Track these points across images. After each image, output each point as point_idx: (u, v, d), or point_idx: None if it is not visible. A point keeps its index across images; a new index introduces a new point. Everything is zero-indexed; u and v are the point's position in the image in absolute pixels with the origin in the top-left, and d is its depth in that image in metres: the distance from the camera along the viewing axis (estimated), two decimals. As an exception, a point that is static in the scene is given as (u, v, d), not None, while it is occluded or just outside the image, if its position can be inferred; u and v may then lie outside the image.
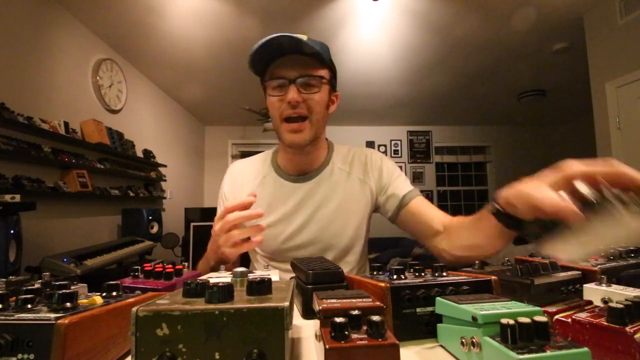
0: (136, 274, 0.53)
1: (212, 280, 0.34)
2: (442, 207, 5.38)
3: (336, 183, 0.95)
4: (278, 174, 0.96)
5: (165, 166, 3.92)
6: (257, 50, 0.80)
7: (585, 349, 0.26)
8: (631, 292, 0.39)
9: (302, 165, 0.95)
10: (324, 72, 0.86)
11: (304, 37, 0.81)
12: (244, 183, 0.98)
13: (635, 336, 0.28)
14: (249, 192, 0.92)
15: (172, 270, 0.53)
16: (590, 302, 0.39)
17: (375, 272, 0.52)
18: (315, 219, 0.92)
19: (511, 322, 0.28)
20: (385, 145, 6.03)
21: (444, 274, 0.48)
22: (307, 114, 0.84)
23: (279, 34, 0.78)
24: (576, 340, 0.29)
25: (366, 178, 0.97)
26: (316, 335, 0.33)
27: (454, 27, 2.97)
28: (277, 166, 0.98)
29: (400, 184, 0.96)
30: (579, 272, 0.51)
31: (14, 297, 0.35)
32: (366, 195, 0.96)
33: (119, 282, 0.43)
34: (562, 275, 0.49)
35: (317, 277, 0.51)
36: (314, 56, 0.84)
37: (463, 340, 0.33)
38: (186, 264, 0.62)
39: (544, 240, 0.39)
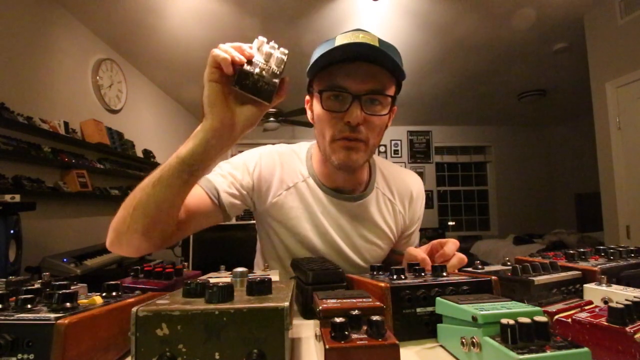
0: (136, 274, 0.53)
1: (212, 280, 0.34)
2: (442, 207, 5.36)
3: (380, 211, 0.87)
4: (317, 185, 0.84)
5: (165, 166, 3.92)
6: (321, 57, 0.67)
7: (585, 349, 0.26)
8: (631, 292, 0.39)
9: (340, 183, 0.84)
10: (393, 89, 0.72)
11: (375, 41, 0.67)
12: (280, 176, 0.84)
13: (635, 336, 0.28)
14: (284, 189, 0.83)
15: (172, 270, 0.53)
16: (590, 302, 0.39)
17: (375, 272, 0.52)
18: (351, 243, 0.86)
19: (511, 322, 0.28)
20: (385, 145, 6.02)
21: (444, 274, 0.48)
22: (367, 137, 0.71)
23: (355, 41, 0.65)
24: (576, 340, 0.29)
25: (404, 213, 0.91)
26: (316, 335, 0.33)
27: (454, 27, 2.97)
28: (315, 175, 0.85)
29: (415, 238, 0.97)
30: (579, 272, 0.51)
31: (14, 297, 0.35)
32: (399, 228, 0.92)
33: (119, 282, 0.43)
34: (562, 275, 0.49)
35: (317, 277, 0.51)
36: (388, 67, 0.69)
37: (463, 340, 0.33)
38: (186, 264, 0.62)
39: None
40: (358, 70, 0.68)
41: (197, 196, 0.74)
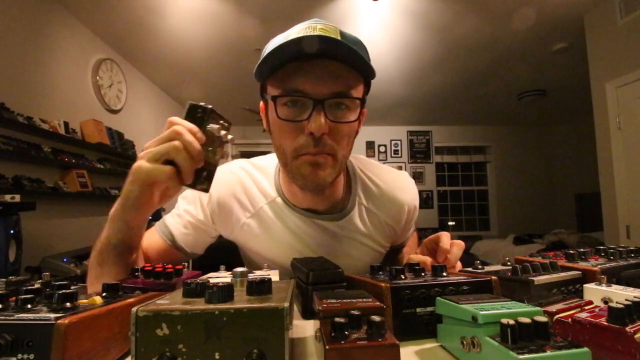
0: (136, 274, 0.53)
1: (212, 280, 0.34)
2: (442, 207, 5.35)
3: (365, 227, 0.76)
4: (288, 205, 0.73)
5: (165, 166, 3.93)
6: (272, 53, 0.55)
7: (585, 349, 0.26)
8: (631, 292, 0.39)
9: (312, 204, 0.73)
10: (361, 89, 0.61)
11: (336, 34, 0.55)
12: (241, 201, 0.74)
13: (635, 336, 0.28)
14: (247, 216, 0.73)
15: (172, 270, 0.53)
16: (590, 302, 0.39)
17: (375, 272, 0.52)
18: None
19: (511, 322, 0.28)
20: (385, 145, 6.03)
21: (444, 274, 0.48)
22: (334, 149, 0.59)
23: (312, 34, 0.53)
24: (576, 340, 0.29)
25: (395, 225, 0.80)
26: (316, 335, 0.33)
27: (454, 27, 2.97)
28: (283, 194, 0.73)
29: (408, 233, 0.89)
30: (579, 272, 0.51)
31: (14, 297, 0.35)
32: (390, 240, 0.83)
33: (119, 282, 0.43)
34: (562, 275, 0.49)
35: (317, 277, 0.51)
36: (354, 64, 0.57)
37: (463, 340, 0.33)
38: (186, 263, 0.62)
39: None
40: (319, 70, 0.56)
41: (155, 242, 0.73)
